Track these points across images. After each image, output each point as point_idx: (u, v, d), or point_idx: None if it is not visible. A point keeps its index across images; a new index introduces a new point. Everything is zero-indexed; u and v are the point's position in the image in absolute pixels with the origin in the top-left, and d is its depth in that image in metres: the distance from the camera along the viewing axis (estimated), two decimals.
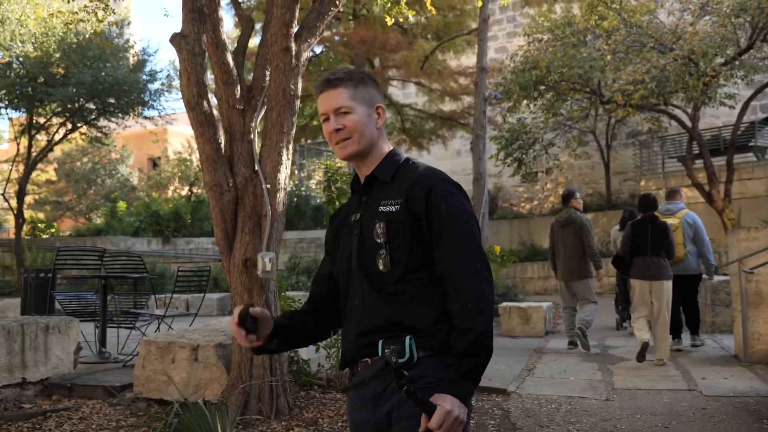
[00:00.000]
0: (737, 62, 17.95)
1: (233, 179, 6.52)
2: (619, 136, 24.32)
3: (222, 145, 6.59)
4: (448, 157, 25.64)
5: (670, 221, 10.20)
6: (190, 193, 31.77)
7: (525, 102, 20.16)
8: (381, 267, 2.42)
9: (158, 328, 9.51)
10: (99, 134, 27.46)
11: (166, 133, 37.94)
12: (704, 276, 11.20)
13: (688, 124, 18.79)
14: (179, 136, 38.86)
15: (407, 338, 2.37)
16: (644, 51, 17.86)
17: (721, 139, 19.84)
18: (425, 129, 22.63)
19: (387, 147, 2.68)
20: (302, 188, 26.66)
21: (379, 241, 2.42)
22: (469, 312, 2.31)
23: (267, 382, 6.37)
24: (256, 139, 6.75)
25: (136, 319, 9.82)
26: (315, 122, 25.25)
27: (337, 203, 7.52)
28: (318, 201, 25.51)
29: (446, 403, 2.22)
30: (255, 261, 6.43)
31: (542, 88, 19.38)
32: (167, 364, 6.94)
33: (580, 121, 22.34)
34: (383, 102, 2.74)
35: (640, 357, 9.08)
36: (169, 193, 35.80)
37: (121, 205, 29.30)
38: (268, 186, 6.50)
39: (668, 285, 9.47)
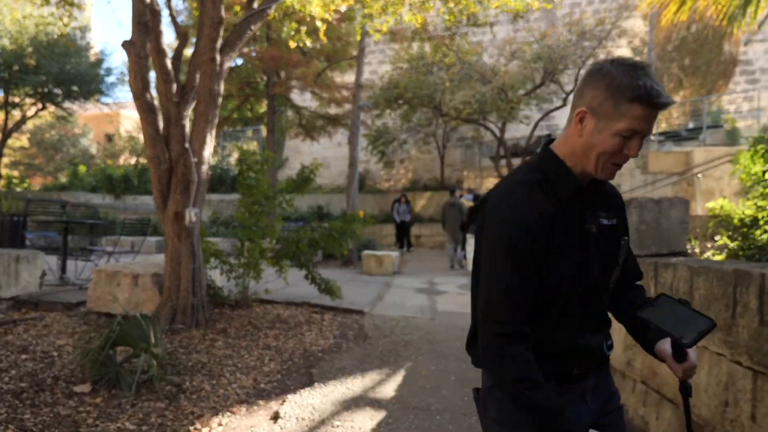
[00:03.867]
0: (533, 94, 18.81)
1: (169, 153, 6.34)
2: (452, 139, 24.90)
3: (160, 128, 6.39)
4: (332, 147, 25.56)
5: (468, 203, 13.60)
6: (137, 162, 30.33)
7: (388, 111, 20.52)
8: (611, 280, 1.71)
9: (108, 260, 9.14)
10: (64, 113, 26.11)
11: (119, 116, 36.38)
12: None
13: (498, 134, 19.53)
14: (130, 119, 36.99)
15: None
16: (472, 81, 18.44)
17: (519, 146, 20.63)
18: (316, 125, 22.48)
19: None
20: (224, 163, 25.95)
21: (618, 258, 1.69)
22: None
23: (190, 302, 6.30)
24: (188, 125, 6.57)
25: (90, 254, 9.41)
26: (235, 115, 24.59)
27: (245, 176, 7.42)
28: (234, 173, 25.02)
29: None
30: (183, 214, 6.30)
31: (400, 102, 19.74)
32: (113, 287, 6.72)
33: (425, 127, 22.77)
34: None
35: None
36: (121, 161, 34.09)
37: (82, 168, 27.64)
38: (196, 160, 6.37)
39: None
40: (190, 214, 6.27)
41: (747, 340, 2.59)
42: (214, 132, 6.62)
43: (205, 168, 6.50)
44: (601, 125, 1.51)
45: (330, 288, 7.49)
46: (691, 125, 19.12)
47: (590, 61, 16.93)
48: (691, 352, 1.58)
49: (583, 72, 5.42)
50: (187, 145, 6.31)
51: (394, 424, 4.11)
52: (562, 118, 21.79)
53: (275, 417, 4.21)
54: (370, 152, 23.44)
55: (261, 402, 4.54)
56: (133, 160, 33.05)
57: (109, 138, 38.59)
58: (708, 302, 2.98)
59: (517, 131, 21.74)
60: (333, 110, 22.20)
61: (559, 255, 1.56)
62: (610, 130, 1.50)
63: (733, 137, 15.43)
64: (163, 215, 6.43)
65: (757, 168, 5.47)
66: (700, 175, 13.83)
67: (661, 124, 20.36)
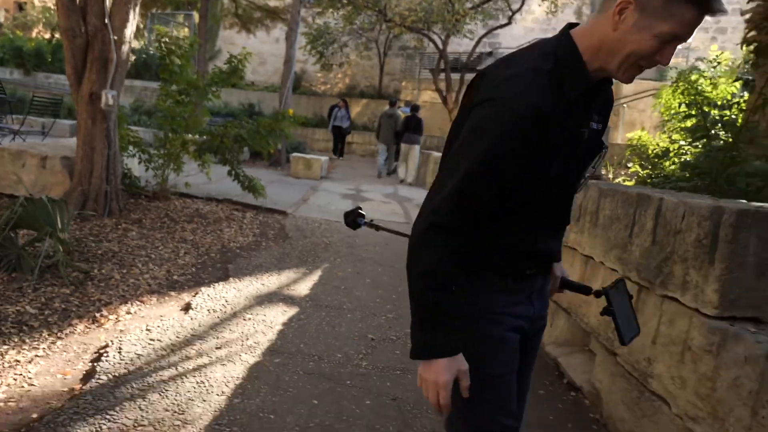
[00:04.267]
0: (480, 8, 18.49)
1: (85, 27, 5.88)
2: (394, 47, 24.42)
3: None
4: (269, 42, 24.54)
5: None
6: (52, 36, 28.07)
7: (330, 10, 19.66)
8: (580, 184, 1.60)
9: (14, 139, 8.63)
10: None
11: None
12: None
13: (441, 46, 19.25)
14: None
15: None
16: None
17: (460, 61, 20.45)
18: (254, 17, 21.42)
19: None
20: (150, 48, 24.50)
21: (594, 164, 1.59)
22: None
23: (103, 189, 6.09)
24: None
25: None
26: None
27: (167, 60, 7.04)
28: None
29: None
30: (99, 95, 5.97)
31: (344, 1, 18.91)
32: (18, 167, 6.40)
33: (368, 31, 22.16)
34: None
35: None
36: (33, 34, 31.49)
37: None
38: (115, 38, 5.96)
39: (417, 148, 13.66)
40: (107, 97, 5.96)
41: (638, 258, 2.78)
42: (137, 9, 6.19)
43: (125, 48, 6.12)
44: (643, 22, 1.32)
45: (254, 186, 7.41)
46: None
47: None
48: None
49: None
50: (106, 20, 5.89)
51: (306, 320, 4.23)
52: (506, 36, 21.68)
53: (186, 308, 4.24)
54: (308, 52, 22.64)
55: (173, 293, 4.55)
56: (47, 35, 30.63)
57: (20, 7, 35.42)
58: (611, 222, 3.15)
59: (460, 46, 21.51)
60: (272, 2, 21.16)
61: (544, 159, 1.40)
62: (652, 30, 1.32)
63: (660, 73, 15.83)
64: (76, 95, 6.07)
65: (675, 103, 5.68)
66: (626, 106, 14.26)
67: None
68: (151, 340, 3.61)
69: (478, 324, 1.51)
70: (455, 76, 19.22)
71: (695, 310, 2.23)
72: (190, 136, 7.47)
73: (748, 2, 5.84)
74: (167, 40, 7.01)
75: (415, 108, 14.73)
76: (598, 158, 1.57)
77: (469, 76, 20.01)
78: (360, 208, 2.13)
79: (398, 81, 23.80)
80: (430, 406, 1.50)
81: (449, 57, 19.81)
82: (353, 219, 2.13)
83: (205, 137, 7.54)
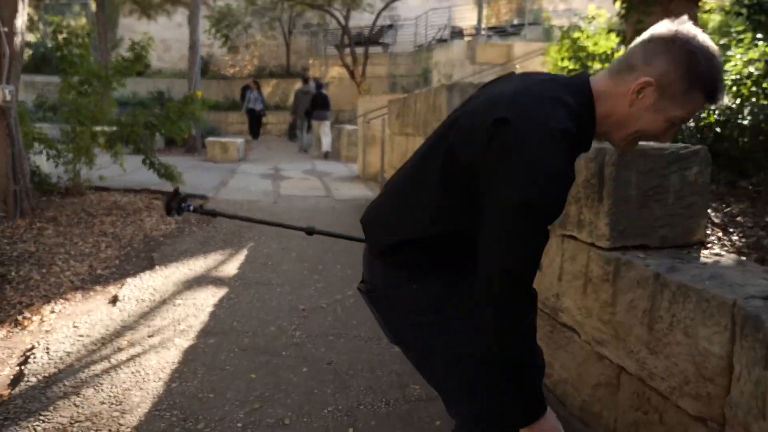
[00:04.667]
0: None
1: None
2: (298, 25, 23.89)
3: None
4: (172, 28, 23.35)
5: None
6: None
7: None
8: None
9: None
10: None
11: None
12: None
13: (343, 21, 19.01)
14: None
15: None
16: None
17: (363, 35, 20.30)
18: (153, 3, 20.30)
19: None
20: (47, 41, 22.84)
21: None
22: None
23: (11, 189, 5.69)
24: None
25: None
26: None
27: (65, 51, 6.59)
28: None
29: None
30: None
31: None
32: None
33: (270, 11, 21.55)
34: None
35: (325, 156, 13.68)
36: None
37: None
38: (6, 29, 5.50)
39: (327, 123, 13.88)
40: (4, 92, 5.51)
41: None
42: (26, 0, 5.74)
43: (18, 40, 5.66)
44: (660, 105, 1.27)
45: (170, 173, 7.12)
46: (515, 21, 19.88)
47: None
48: None
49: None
50: None
51: (236, 298, 4.15)
52: (403, 9, 21.63)
53: (114, 300, 4.07)
54: (213, 35, 21.79)
55: (98, 287, 4.35)
56: None
57: None
58: None
59: (361, 20, 21.28)
60: None
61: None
62: (667, 114, 1.28)
63: (548, 34, 16.34)
64: None
65: (564, 61, 5.88)
66: (518, 67, 14.65)
67: (491, 19, 20.98)
68: (79, 336, 3.44)
69: None
70: (360, 50, 19.09)
71: (591, 245, 2.35)
72: (99, 127, 7.07)
73: None
74: (61, 29, 6.56)
75: (319, 86, 14.76)
76: None
77: (373, 50, 19.97)
78: (178, 190, 1.94)
79: (305, 59, 23.36)
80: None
81: (352, 31, 19.61)
82: (177, 205, 1.88)
83: (114, 128, 7.16)
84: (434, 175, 1.37)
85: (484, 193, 1.25)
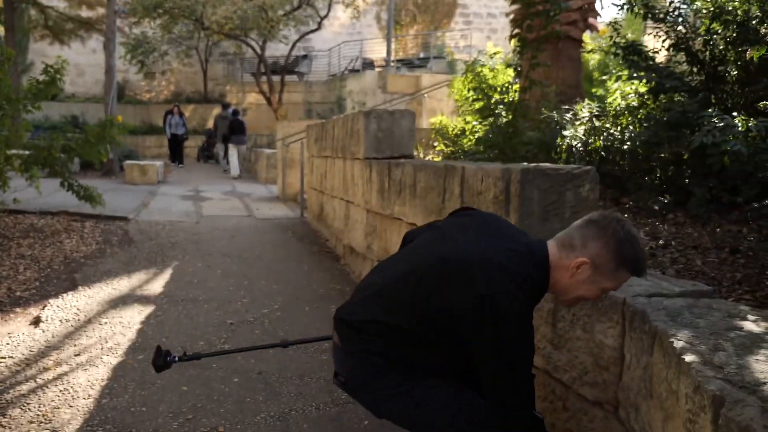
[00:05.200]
0: (291, 15, 18.38)
1: None
2: (214, 53, 23.39)
3: None
4: (86, 53, 22.18)
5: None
6: None
7: (147, 19, 18.29)
8: None
9: None
10: None
11: None
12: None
13: (259, 51, 18.84)
14: None
15: None
16: None
17: (278, 64, 20.19)
18: (66, 28, 19.25)
19: None
20: None
21: None
22: None
23: None
24: None
25: None
26: None
27: None
28: None
29: None
30: None
31: (160, 11, 17.69)
32: None
33: (187, 39, 21.00)
34: None
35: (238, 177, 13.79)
36: None
37: None
38: None
39: (244, 147, 14.19)
40: None
41: None
42: None
43: None
44: (594, 278, 1.51)
45: (90, 195, 6.75)
46: (422, 55, 20.52)
47: None
48: None
49: None
50: None
51: (163, 315, 4.01)
52: (317, 40, 21.75)
53: (36, 321, 3.82)
54: (128, 61, 20.89)
55: (18, 309, 4.07)
56: None
57: None
58: (426, 192, 3.38)
59: (277, 50, 21.18)
60: (85, 13, 19.21)
61: None
62: (600, 285, 1.53)
63: (452, 67, 16.99)
64: None
65: (465, 91, 6.18)
66: (426, 96, 15.14)
67: (399, 53, 21.54)
68: (1, 358, 3.21)
69: None
70: (276, 78, 18.99)
71: None
72: (13, 151, 6.60)
73: (510, 5, 6.49)
74: None
75: (235, 112, 15.14)
76: None
77: (288, 78, 19.93)
78: (160, 347, 2.00)
79: (222, 85, 22.91)
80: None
81: (268, 61, 19.48)
82: (162, 361, 1.97)
83: (29, 151, 6.72)
84: (416, 307, 1.53)
85: (470, 340, 1.48)
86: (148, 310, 4.11)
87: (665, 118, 3.21)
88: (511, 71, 5.99)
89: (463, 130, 6.11)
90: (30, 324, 3.79)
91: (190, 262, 5.47)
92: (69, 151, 6.74)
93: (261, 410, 2.75)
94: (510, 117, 4.34)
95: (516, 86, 5.05)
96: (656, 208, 2.96)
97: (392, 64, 18.54)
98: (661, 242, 2.59)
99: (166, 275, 5.02)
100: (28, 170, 6.63)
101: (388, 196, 4.05)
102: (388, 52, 18.47)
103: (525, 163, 2.76)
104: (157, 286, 4.68)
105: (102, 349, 3.41)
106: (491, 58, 6.55)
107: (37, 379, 2.97)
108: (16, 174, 6.71)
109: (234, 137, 14.16)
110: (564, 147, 3.63)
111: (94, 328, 3.74)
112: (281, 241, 6.55)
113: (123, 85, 22.09)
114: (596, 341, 1.88)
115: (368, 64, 19.76)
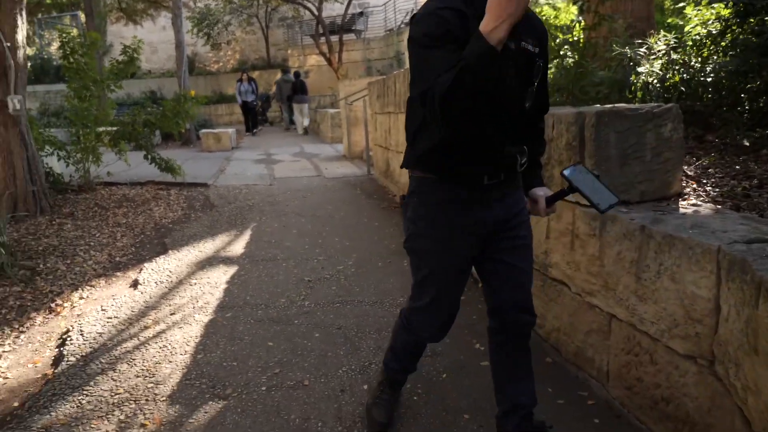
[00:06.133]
0: None
1: None
2: (274, 19, 23.30)
3: None
4: (157, 31, 22.68)
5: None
6: None
7: None
8: (526, 102, 1.59)
9: None
10: None
11: None
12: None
13: (316, 12, 18.57)
14: None
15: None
16: None
17: (336, 24, 19.88)
18: (137, 9, 19.70)
19: None
20: (44, 52, 22.08)
21: (532, 78, 1.58)
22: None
23: (30, 190, 5.52)
24: None
25: None
26: (48, 0, 20.64)
27: (70, 60, 6.37)
28: (58, 62, 21.33)
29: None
30: (6, 102, 5.32)
31: None
32: None
33: (248, 8, 21.01)
34: None
35: (305, 132, 14.96)
36: None
37: None
38: (9, 44, 5.27)
39: (306, 105, 14.55)
40: (14, 102, 5.31)
41: None
42: (24, 15, 5.47)
43: (21, 53, 5.42)
44: None
45: (170, 166, 6.96)
46: None
47: None
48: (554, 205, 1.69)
49: None
50: None
51: (246, 275, 4.09)
52: None
53: (135, 284, 3.98)
54: (196, 35, 21.21)
55: (119, 273, 4.25)
56: None
57: None
58: None
59: (333, 10, 20.84)
60: None
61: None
62: None
63: None
64: None
65: None
66: None
67: None
68: (108, 318, 3.37)
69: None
70: (334, 38, 18.72)
71: (576, 203, 2.31)
72: (102, 128, 6.86)
73: None
74: (68, 39, 6.31)
75: (297, 74, 15.77)
76: (534, 71, 1.56)
77: (346, 37, 19.59)
78: None
79: (284, 50, 22.87)
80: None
81: (325, 21, 19.19)
82: None
83: (116, 127, 6.96)
84: None
85: None
86: (232, 270, 4.20)
87: (755, 43, 2.82)
88: (574, 8, 5.52)
89: None
90: (129, 286, 3.96)
91: (267, 223, 5.54)
92: (150, 125, 6.94)
93: (342, 364, 2.75)
94: (577, 57, 4.01)
95: (579, 25, 4.65)
96: (747, 144, 2.65)
97: None
98: (755, 181, 2.32)
99: (246, 236, 5.11)
100: (117, 145, 6.90)
101: None
102: None
103: (599, 105, 2.53)
104: (238, 247, 4.78)
105: (194, 307, 3.51)
106: None
107: (140, 337, 3.10)
108: (106, 149, 6.99)
109: (296, 97, 14.97)
110: (639, 85, 3.31)
111: (186, 289, 3.86)
112: (351, 199, 6.53)
113: (192, 58, 22.47)
114: (687, 292, 1.71)
115: None
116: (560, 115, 2.41)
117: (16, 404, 2.47)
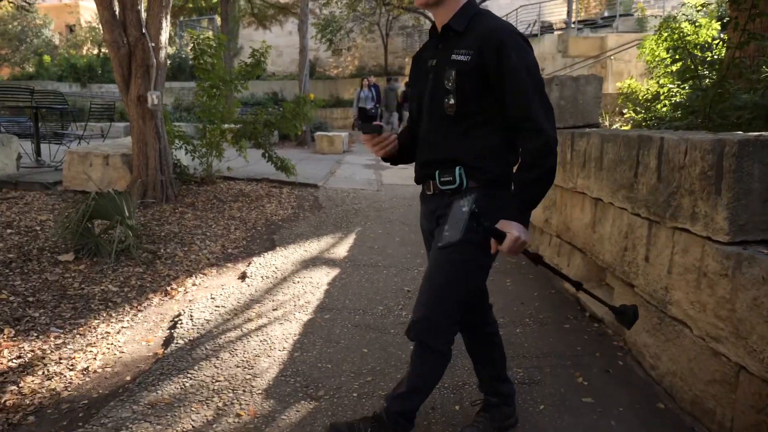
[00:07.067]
0: None
1: (126, 38, 5.77)
2: (394, 27, 23.82)
3: (117, 12, 5.76)
4: (284, 35, 24.07)
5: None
6: (99, 52, 27.90)
7: (335, 0, 19.19)
8: (446, 110, 1.77)
9: (79, 143, 8.62)
10: (24, 3, 23.29)
11: (78, 7, 32.61)
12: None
13: None
14: (89, 10, 33.35)
15: (457, 168, 1.80)
16: None
17: None
18: (268, 15, 21.04)
19: None
20: (182, 52, 24.19)
21: (448, 87, 1.75)
22: (542, 151, 1.68)
23: (159, 179, 6.06)
24: (143, 10, 5.95)
25: (62, 138, 8.84)
26: (190, 4, 22.60)
27: (201, 60, 6.92)
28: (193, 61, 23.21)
29: (514, 230, 1.66)
30: (146, 97, 5.88)
31: None
32: (86, 167, 6.38)
33: (370, 16, 21.63)
34: None
35: None
36: (84, 51, 31.25)
37: (47, 58, 25.24)
38: (153, 44, 5.84)
39: None
40: (152, 97, 5.86)
41: (645, 195, 2.65)
42: (168, 17, 6.04)
43: (162, 53, 5.99)
44: None
45: (285, 166, 7.31)
46: (606, 13, 18.74)
47: None
48: (507, 239, 1.67)
49: None
50: (144, 30, 5.76)
51: (347, 279, 4.17)
52: (493, 6, 20.90)
53: (243, 276, 4.21)
54: (319, 40, 22.23)
55: (229, 264, 4.52)
56: (95, 51, 30.36)
57: (71, 29, 35.14)
58: (615, 164, 3.01)
59: None
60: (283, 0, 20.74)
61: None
62: None
63: (642, 24, 15.23)
64: (126, 98, 5.99)
65: (660, 50, 5.40)
66: (612, 58, 13.76)
67: (581, 13, 19.89)
68: (216, 306, 3.59)
69: None
70: None
71: (707, 238, 2.12)
72: (226, 125, 7.37)
73: None
74: (200, 41, 6.87)
75: (407, 84, 15.77)
76: (446, 79, 1.77)
77: None
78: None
79: (401, 58, 23.27)
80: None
81: None
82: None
83: (239, 125, 7.45)
84: None
85: None
86: (334, 272, 4.31)
87: None
88: (716, 25, 5.08)
89: (657, 95, 5.37)
90: (238, 278, 4.19)
91: (371, 229, 5.64)
92: (269, 125, 7.34)
93: None
94: (717, 78, 3.67)
95: (722, 43, 4.26)
96: None
97: (573, 25, 17.17)
98: None
99: (350, 240, 5.23)
100: (238, 142, 7.36)
101: (570, 168, 3.72)
102: (569, 13, 17.13)
103: (741, 133, 2.30)
104: (341, 250, 4.90)
105: (295, 305, 3.64)
106: (698, 10, 5.59)
107: (242, 328, 3.27)
108: (228, 145, 7.49)
109: (405, 104, 15.21)
110: None
111: (289, 286, 4.01)
112: None
113: (314, 62, 23.55)
114: None
115: (546, 28, 18.55)
116: (695, 141, 2.22)
117: (128, 378, 2.69)
